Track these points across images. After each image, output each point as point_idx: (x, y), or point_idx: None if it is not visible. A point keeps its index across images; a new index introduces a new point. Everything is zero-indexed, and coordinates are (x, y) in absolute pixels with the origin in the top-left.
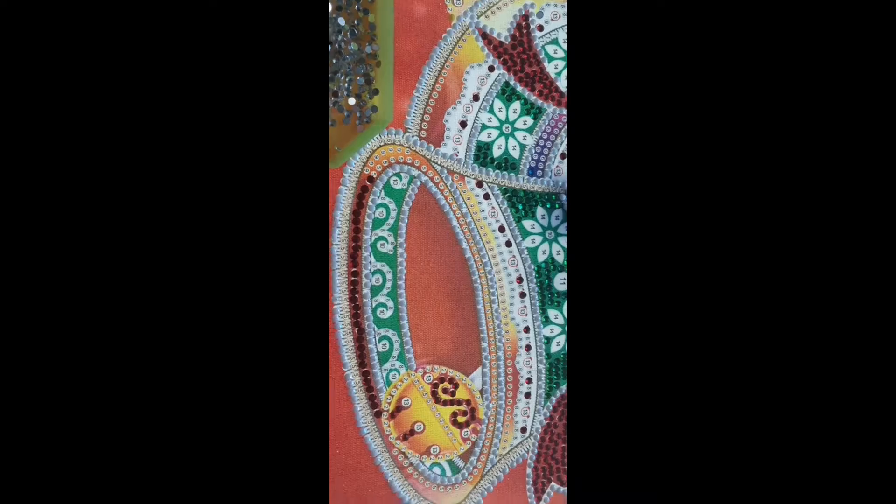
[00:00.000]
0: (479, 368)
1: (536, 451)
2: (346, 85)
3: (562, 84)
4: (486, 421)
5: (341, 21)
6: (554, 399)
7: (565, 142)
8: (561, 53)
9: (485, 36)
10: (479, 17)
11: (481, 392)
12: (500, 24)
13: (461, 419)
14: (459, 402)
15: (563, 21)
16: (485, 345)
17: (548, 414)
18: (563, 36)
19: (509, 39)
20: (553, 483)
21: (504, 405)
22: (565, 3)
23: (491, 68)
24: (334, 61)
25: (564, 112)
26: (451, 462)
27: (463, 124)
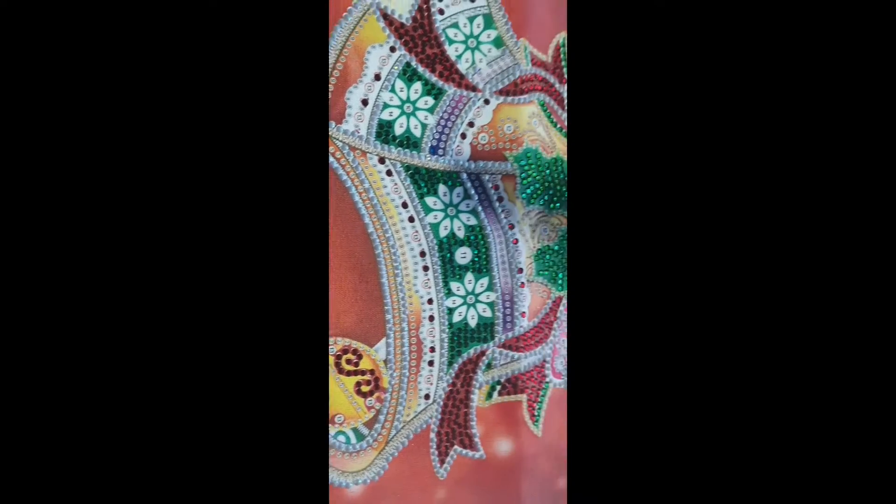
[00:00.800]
0: (384, 339)
1: (440, 416)
2: None
3: (462, 66)
4: (391, 389)
5: None
6: (456, 366)
7: (470, 119)
8: (461, 37)
9: (386, 17)
10: None
11: (385, 362)
12: (402, 6)
13: (365, 388)
14: (363, 373)
15: (465, 5)
16: (389, 317)
17: (450, 381)
18: (463, 20)
19: (410, 21)
20: (456, 446)
21: (407, 374)
22: None
23: (392, 49)
24: None
25: (465, 93)
26: (355, 430)
27: (364, 102)
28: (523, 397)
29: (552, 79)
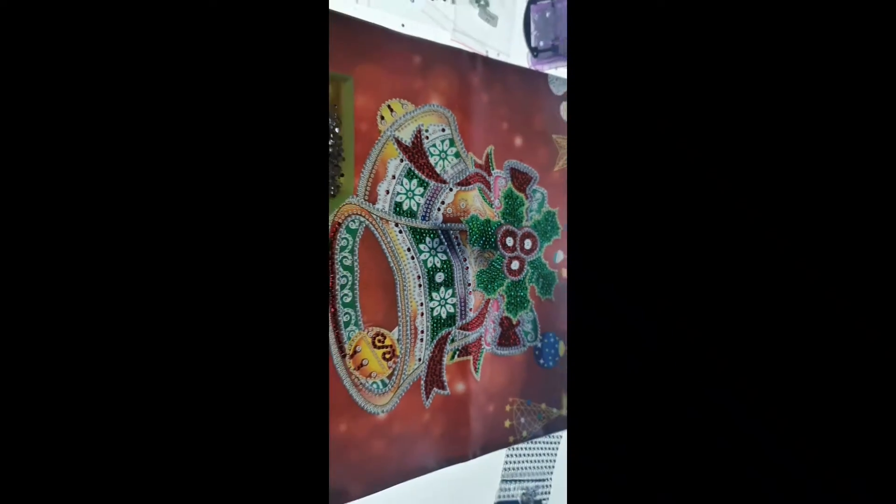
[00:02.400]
0: (397, 327)
1: (426, 370)
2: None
3: (437, 169)
4: (400, 356)
5: (336, 130)
6: (435, 341)
7: (442, 200)
8: (437, 152)
9: (398, 141)
10: (394, 130)
11: (397, 340)
12: (406, 135)
13: (387, 356)
14: (387, 346)
15: (439, 133)
16: (399, 313)
17: (432, 350)
18: (438, 142)
19: (411, 143)
20: (435, 388)
21: (409, 347)
22: (440, 123)
23: (401, 160)
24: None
25: (439, 185)
26: (382, 380)
27: (387, 191)
28: (470, 357)
29: (485, 174)
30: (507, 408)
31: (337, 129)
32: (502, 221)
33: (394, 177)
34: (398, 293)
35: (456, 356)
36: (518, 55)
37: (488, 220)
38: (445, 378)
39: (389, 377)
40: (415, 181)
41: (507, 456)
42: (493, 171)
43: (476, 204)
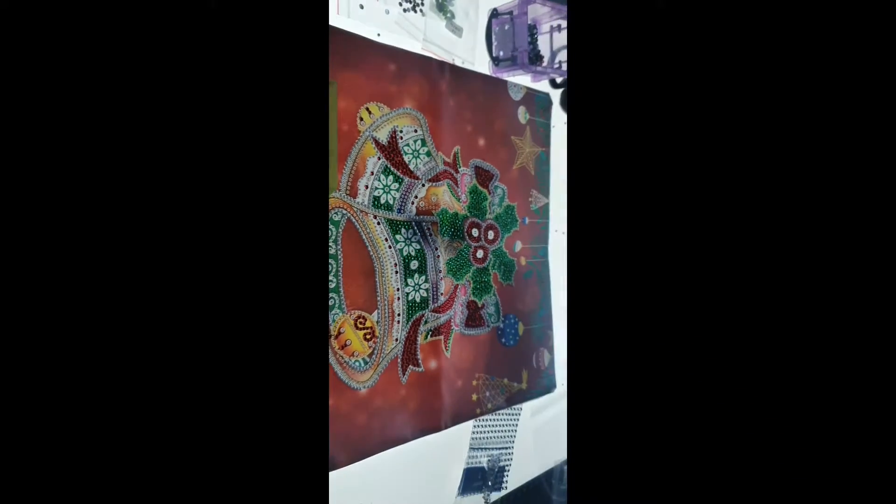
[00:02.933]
0: (376, 310)
1: (402, 349)
2: None
3: (412, 167)
4: (379, 337)
5: None
6: (410, 323)
7: (415, 194)
8: (411, 151)
9: (375, 141)
10: (372, 131)
11: (377, 322)
12: (383, 135)
13: (368, 336)
14: (367, 328)
15: (412, 133)
16: (378, 298)
17: (407, 331)
18: (411, 142)
19: (387, 143)
20: (410, 365)
21: (387, 328)
22: (413, 125)
23: (379, 157)
24: None
25: (413, 181)
26: (363, 359)
27: (366, 186)
28: (441, 337)
29: (452, 171)
30: (474, 383)
31: None
32: (468, 214)
33: (372, 173)
34: (377, 279)
35: (429, 336)
36: (481, 64)
37: (456, 213)
38: (420, 356)
39: (370, 356)
40: (391, 177)
41: (474, 426)
42: (459, 169)
43: (445, 198)
